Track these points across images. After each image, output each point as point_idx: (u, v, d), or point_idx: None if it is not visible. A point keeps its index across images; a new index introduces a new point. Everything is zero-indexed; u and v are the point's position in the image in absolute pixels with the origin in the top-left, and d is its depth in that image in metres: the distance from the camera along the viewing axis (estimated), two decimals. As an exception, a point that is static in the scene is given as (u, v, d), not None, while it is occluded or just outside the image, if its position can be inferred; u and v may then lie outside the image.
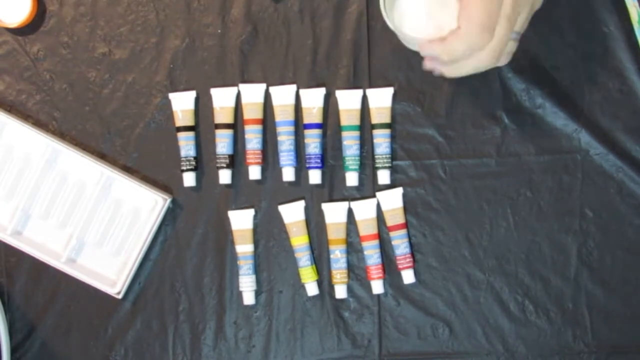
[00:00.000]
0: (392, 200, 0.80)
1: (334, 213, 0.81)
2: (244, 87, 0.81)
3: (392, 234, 0.80)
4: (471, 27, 0.57)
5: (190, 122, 0.81)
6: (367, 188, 0.81)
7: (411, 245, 0.81)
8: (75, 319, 0.82)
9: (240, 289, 0.81)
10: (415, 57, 0.76)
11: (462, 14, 0.57)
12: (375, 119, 0.80)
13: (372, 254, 0.80)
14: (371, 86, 0.81)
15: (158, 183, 0.82)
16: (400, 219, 0.80)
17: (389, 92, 0.80)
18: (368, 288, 0.81)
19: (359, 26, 0.81)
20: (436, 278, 0.81)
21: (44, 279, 0.82)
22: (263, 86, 0.81)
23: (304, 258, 0.80)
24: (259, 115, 0.80)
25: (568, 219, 0.80)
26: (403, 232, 0.80)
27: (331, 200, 0.81)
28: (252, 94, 0.81)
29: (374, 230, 0.80)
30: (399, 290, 0.81)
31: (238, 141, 0.81)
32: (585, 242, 0.80)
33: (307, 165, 0.80)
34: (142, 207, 0.81)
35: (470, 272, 0.81)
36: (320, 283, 0.81)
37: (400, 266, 0.80)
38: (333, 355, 0.82)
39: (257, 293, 0.82)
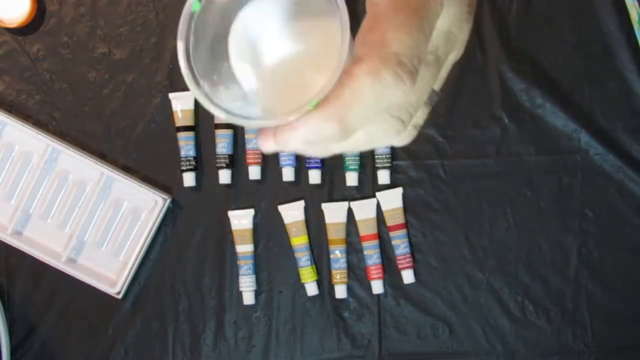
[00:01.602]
0: (392, 200, 0.80)
1: (333, 213, 0.80)
2: (243, 87, 0.81)
3: (392, 234, 0.80)
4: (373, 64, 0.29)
5: (190, 122, 0.81)
6: (367, 188, 0.81)
7: (411, 245, 0.81)
8: (75, 319, 0.82)
9: (240, 289, 0.81)
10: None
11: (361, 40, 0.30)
12: (375, 119, 0.80)
13: (372, 254, 0.80)
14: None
15: (158, 183, 0.82)
16: (400, 219, 0.80)
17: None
18: (368, 288, 0.81)
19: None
20: (436, 278, 0.81)
21: (44, 279, 0.82)
22: (263, 86, 0.81)
23: (303, 258, 0.80)
24: (258, 115, 0.80)
25: (568, 219, 0.80)
26: (403, 232, 0.80)
27: (331, 200, 0.81)
28: (252, 94, 0.81)
29: (373, 230, 0.80)
30: (399, 290, 0.81)
31: (238, 141, 0.81)
32: (585, 242, 0.80)
33: (307, 165, 0.80)
34: (142, 207, 0.81)
35: (470, 272, 0.81)
36: (320, 283, 0.81)
37: (400, 266, 0.80)
38: (333, 355, 0.81)
39: (257, 293, 0.82)
